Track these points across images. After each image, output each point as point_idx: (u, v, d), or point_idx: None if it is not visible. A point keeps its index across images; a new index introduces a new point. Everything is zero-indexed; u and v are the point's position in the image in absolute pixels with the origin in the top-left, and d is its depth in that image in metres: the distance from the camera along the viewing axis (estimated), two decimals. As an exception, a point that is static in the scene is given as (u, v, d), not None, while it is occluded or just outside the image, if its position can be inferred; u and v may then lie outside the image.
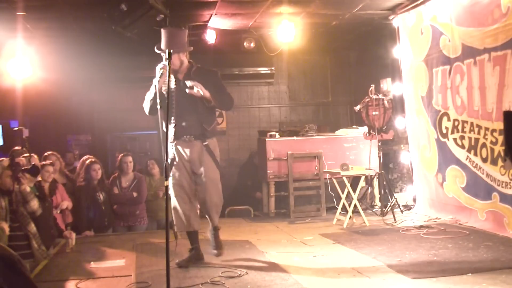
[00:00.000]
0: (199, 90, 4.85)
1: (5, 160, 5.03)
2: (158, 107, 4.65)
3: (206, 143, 5.07)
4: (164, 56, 4.87)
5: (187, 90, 4.87)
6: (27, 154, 6.02)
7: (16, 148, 6.25)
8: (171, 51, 4.50)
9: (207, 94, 4.89)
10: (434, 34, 7.18)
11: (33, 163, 5.37)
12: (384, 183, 7.69)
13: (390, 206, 7.55)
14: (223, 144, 10.87)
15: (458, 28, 6.60)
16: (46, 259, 5.32)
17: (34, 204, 5.21)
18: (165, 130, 4.24)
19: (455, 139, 6.85)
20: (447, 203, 7.09)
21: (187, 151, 5.02)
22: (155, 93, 4.86)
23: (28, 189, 5.17)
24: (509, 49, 5.72)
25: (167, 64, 4.39)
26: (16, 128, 5.66)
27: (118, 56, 9.59)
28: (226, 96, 5.14)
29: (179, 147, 5.02)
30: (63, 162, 7.38)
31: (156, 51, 5.00)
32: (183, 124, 4.99)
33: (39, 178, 5.48)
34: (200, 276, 4.62)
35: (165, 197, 4.06)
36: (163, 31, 5.00)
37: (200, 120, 5.01)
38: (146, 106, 5.07)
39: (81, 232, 6.70)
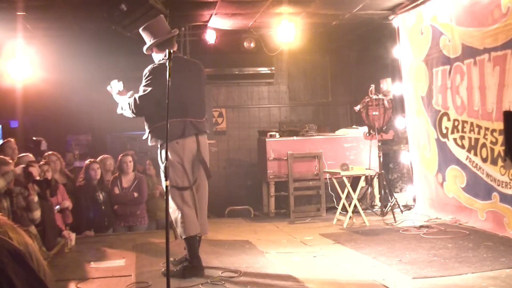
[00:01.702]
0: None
1: (18, 168, 5.03)
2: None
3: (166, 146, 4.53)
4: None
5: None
6: (43, 163, 6.06)
7: (23, 155, 6.15)
8: (171, 51, 4.49)
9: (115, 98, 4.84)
10: (434, 34, 7.18)
11: (46, 177, 5.36)
12: (384, 183, 7.69)
13: (390, 206, 7.55)
14: (223, 144, 10.89)
15: (458, 28, 6.60)
16: (46, 261, 5.31)
17: (37, 214, 5.24)
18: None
19: (455, 139, 6.85)
20: (447, 203, 7.09)
21: None
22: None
23: (35, 199, 5.19)
24: (509, 49, 5.72)
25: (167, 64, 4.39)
26: (35, 138, 5.50)
27: (118, 56, 9.59)
28: (131, 102, 4.69)
29: None
30: (63, 162, 7.38)
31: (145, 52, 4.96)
32: None
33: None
34: (200, 276, 4.62)
35: (164, 197, 4.04)
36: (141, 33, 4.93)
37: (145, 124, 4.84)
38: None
39: (81, 232, 6.69)
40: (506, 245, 5.30)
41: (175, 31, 4.92)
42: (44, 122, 9.99)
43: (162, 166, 4.68)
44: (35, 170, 5.11)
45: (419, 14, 7.53)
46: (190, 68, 4.92)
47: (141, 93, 4.69)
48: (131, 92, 4.92)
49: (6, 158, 5.30)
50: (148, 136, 4.83)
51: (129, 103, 4.74)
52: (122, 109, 4.88)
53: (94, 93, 10.25)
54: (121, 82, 4.92)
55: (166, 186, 3.91)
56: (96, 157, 7.53)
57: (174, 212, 4.72)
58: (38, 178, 5.22)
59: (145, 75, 4.70)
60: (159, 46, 4.79)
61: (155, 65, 4.72)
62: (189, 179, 4.73)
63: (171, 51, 4.02)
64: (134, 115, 4.79)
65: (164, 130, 4.52)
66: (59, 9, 7.30)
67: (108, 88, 4.94)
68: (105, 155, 7.69)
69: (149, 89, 4.63)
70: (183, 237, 4.71)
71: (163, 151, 4.65)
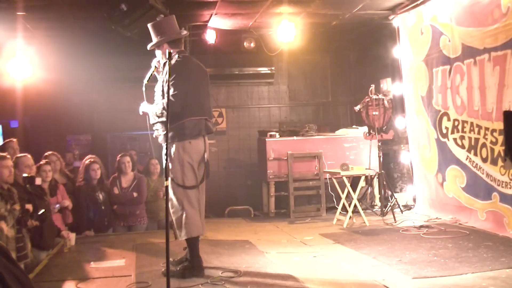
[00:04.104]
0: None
1: (16, 205, 5.03)
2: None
3: (166, 146, 4.49)
4: (157, 52, 4.87)
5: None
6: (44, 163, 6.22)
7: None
8: (171, 51, 4.50)
9: (145, 111, 4.77)
10: (434, 34, 7.18)
11: (42, 210, 5.37)
12: (384, 183, 7.69)
13: (390, 206, 7.55)
14: (223, 144, 10.89)
15: (458, 28, 6.60)
16: (38, 265, 5.31)
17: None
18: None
19: (455, 139, 6.85)
20: (447, 203, 7.09)
21: None
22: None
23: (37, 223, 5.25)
24: (509, 49, 5.72)
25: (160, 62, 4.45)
26: (26, 175, 5.49)
27: (118, 56, 9.59)
28: (164, 106, 4.57)
29: None
30: (63, 162, 7.38)
31: (149, 48, 4.91)
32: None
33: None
34: (200, 276, 4.62)
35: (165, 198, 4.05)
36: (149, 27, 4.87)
37: (161, 123, 4.76)
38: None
39: (81, 232, 6.70)
40: (506, 245, 5.30)
41: (186, 33, 4.97)
42: (44, 122, 10.00)
43: (170, 165, 4.65)
44: (31, 207, 5.15)
45: (419, 14, 7.53)
46: (202, 69, 4.97)
47: (170, 96, 4.52)
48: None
49: (3, 154, 5.30)
50: (161, 134, 4.74)
51: (162, 108, 4.61)
52: (156, 116, 4.73)
53: (94, 93, 10.29)
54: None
55: (166, 186, 3.91)
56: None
57: (177, 212, 4.70)
58: (35, 212, 5.25)
59: (167, 75, 4.59)
60: (171, 43, 4.79)
61: (175, 65, 4.65)
62: (196, 178, 4.75)
63: (171, 51, 4.10)
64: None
65: (183, 129, 4.63)
66: (59, 9, 7.30)
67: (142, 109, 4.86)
68: (91, 155, 7.55)
69: (175, 92, 4.55)
70: (186, 237, 4.70)
71: (173, 150, 4.65)
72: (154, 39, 4.83)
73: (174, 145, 4.66)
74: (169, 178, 4.53)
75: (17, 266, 2.40)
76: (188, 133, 4.66)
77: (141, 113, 4.81)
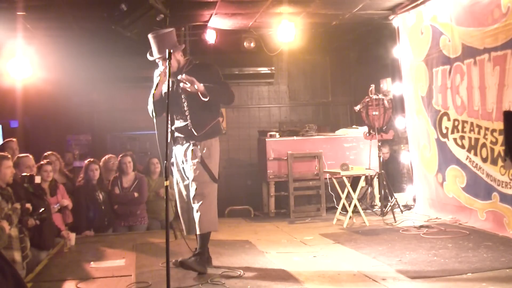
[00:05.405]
0: (193, 85, 4.70)
1: (16, 204, 5.04)
2: (154, 114, 4.78)
3: (196, 145, 4.88)
4: (160, 62, 4.87)
5: (181, 85, 4.75)
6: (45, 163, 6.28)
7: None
8: (171, 51, 4.50)
9: (201, 88, 4.71)
10: (434, 34, 7.18)
11: (42, 209, 5.38)
12: (384, 183, 7.69)
13: (390, 206, 7.54)
14: (223, 144, 10.83)
15: (458, 28, 6.60)
16: (38, 264, 5.31)
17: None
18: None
19: (455, 139, 6.85)
20: (447, 203, 7.09)
21: (178, 153, 5.02)
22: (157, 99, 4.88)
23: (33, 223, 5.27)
24: (509, 49, 5.72)
25: (167, 68, 4.45)
26: (25, 174, 5.55)
27: (118, 56, 9.59)
28: (223, 89, 4.94)
29: (174, 148, 5.05)
30: (62, 162, 7.39)
31: (149, 58, 4.92)
32: (175, 126, 4.95)
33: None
34: (200, 276, 4.62)
35: (170, 197, 4.06)
36: (149, 38, 4.86)
37: (192, 122, 4.85)
38: (150, 109, 4.87)
39: (81, 232, 6.70)
40: (506, 245, 5.30)
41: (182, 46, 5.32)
42: (44, 122, 9.99)
43: (194, 162, 4.87)
44: (30, 206, 5.17)
45: (419, 14, 7.53)
46: None
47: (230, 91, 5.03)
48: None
49: (6, 154, 5.30)
50: (200, 130, 4.86)
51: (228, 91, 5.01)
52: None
53: (94, 93, 10.28)
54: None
55: (166, 186, 3.90)
56: (96, 157, 7.54)
57: (209, 204, 4.88)
58: (33, 212, 5.25)
59: (216, 73, 5.15)
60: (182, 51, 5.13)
61: (216, 68, 5.23)
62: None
63: (171, 51, 4.25)
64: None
65: (218, 125, 5.06)
66: (59, 9, 7.30)
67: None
68: (110, 155, 7.68)
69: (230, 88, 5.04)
70: (208, 231, 4.86)
71: (212, 146, 4.92)
72: (168, 46, 4.77)
73: (211, 142, 4.94)
74: (207, 175, 4.89)
75: (2, 257, 2.41)
76: (220, 131, 5.12)
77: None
